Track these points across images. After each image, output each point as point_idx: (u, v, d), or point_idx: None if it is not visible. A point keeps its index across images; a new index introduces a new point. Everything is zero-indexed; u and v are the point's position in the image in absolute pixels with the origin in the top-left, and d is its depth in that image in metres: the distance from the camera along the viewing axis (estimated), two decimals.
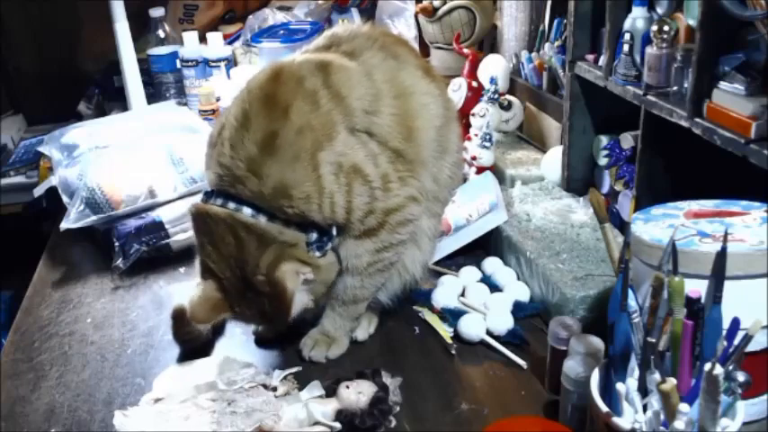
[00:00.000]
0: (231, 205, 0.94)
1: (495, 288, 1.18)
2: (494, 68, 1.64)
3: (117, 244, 1.31)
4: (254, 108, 0.95)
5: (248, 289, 0.95)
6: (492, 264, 1.24)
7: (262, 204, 0.94)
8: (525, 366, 1.02)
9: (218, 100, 1.84)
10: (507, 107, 1.64)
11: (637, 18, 1.10)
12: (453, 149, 1.11)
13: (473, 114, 1.51)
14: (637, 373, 0.77)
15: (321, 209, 0.94)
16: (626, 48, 1.11)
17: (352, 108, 0.97)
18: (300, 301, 0.97)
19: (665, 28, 1.03)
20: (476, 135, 1.46)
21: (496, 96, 1.57)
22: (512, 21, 1.77)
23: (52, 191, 1.51)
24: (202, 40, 2.04)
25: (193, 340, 1.09)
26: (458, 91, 1.62)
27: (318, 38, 1.12)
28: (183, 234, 1.35)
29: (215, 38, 2.01)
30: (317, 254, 0.97)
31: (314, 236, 0.97)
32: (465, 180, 1.46)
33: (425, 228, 1.09)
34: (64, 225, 1.34)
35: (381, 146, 0.99)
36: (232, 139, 0.94)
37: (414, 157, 1.02)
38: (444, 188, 1.11)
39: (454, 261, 1.29)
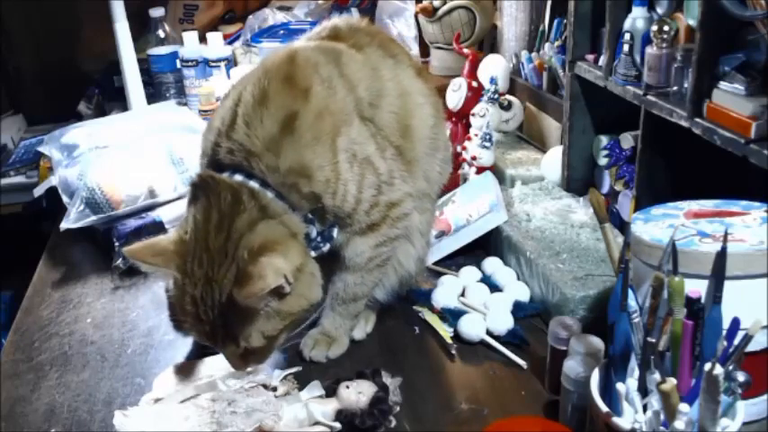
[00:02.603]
0: (238, 177, 0.92)
1: (495, 288, 1.18)
2: (494, 68, 1.64)
3: (117, 244, 1.31)
4: (274, 87, 0.94)
5: (214, 242, 0.88)
6: (492, 264, 1.24)
7: (273, 181, 0.92)
8: (525, 366, 1.02)
9: (217, 100, 1.84)
10: (507, 107, 1.64)
11: (637, 18, 1.11)
12: (442, 147, 1.14)
13: (473, 114, 1.51)
14: (637, 373, 0.77)
15: (335, 195, 0.95)
16: (626, 48, 1.11)
17: (360, 97, 0.99)
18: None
19: (665, 28, 1.03)
20: (476, 135, 1.46)
21: (496, 96, 1.57)
22: (512, 21, 1.77)
23: (52, 191, 1.51)
24: (202, 40, 2.03)
25: None
26: (458, 91, 1.62)
27: (319, 27, 1.13)
28: None
29: (215, 38, 2.01)
30: (312, 253, 0.97)
31: (314, 231, 0.97)
32: (465, 180, 1.47)
33: (416, 224, 1.10)
34: (64, 225, 1.34)
35: (385, 140, 1.01)
36: (248, 115, 0.92)
37: (410, 155, 1.05)
38: (434, 184, 1.14)
39: (454, 261, 1.29)
